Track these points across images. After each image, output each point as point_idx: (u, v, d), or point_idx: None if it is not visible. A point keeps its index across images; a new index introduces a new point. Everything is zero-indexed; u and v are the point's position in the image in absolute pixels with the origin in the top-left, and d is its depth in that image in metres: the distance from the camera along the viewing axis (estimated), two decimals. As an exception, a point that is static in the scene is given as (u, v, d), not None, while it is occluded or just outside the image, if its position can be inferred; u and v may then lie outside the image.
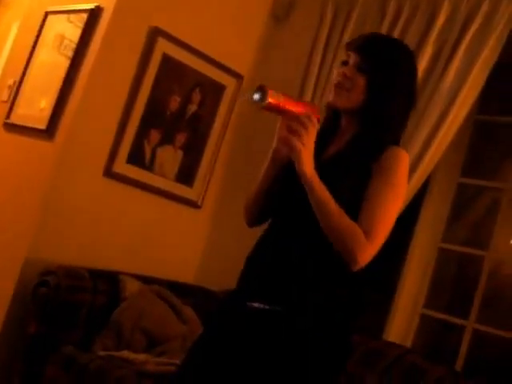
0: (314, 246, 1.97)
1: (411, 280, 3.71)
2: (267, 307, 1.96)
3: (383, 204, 1.95)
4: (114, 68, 3.75)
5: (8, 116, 4.10)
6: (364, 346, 3.22)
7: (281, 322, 1.94)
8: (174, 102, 3.96)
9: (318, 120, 1.96)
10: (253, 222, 2.20)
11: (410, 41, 3.65)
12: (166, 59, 3.87)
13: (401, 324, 3.69)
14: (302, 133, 1.89)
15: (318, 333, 1.95)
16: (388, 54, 2.07)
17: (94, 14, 3.75)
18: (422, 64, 3.55)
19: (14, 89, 4.13)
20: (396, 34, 3.71)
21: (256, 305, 1.97)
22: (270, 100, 1.88)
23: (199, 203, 4.19)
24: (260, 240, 2.11)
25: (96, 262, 3.73)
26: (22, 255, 3.60)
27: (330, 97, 2.10)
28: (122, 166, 3.82)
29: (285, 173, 2.06)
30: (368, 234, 1.91)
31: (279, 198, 2.10)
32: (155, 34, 3.82)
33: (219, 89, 4.13)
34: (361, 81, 2.04)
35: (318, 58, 3.88)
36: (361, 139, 2.05)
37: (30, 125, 3.89)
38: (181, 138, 4.02)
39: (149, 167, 3.93)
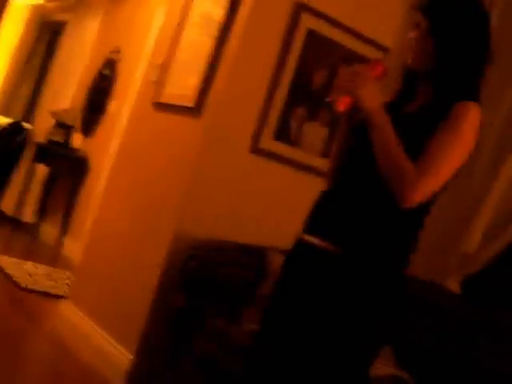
0: (375, 194, 2.12)
1: None
2: (324, 243, 2.15)
3: (441, 150, 2.04)
4: (258, 45, 3.76)
5: (157, 95, 4.20)
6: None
7: (338, 262, 2.13)
8: (320, 78, 3.93)
9: (384, 70, 2.21)
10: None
11: None
12: (311, 34, 3.85)
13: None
14: (354, 79, 2.13)
15: (370, 273, 2.11)
16: (456, 15, 2.10)
17: (238, -7, 3.77)
18: None
19: (163, 69, 4.22)
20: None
21: (315, 240, 2.18)
22: (341, 109, 2.12)
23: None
24: (328, 190, 2.29)
25: (242, 236, 3.78)
26: (172, 230, 3.70)
27: (407, 60, 2.21)
28: (268, 142, 3.84)
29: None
30: (420, 174, 2.02)
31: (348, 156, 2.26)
32: (299, 9, 3.80)
33: (365, 63, 4.04)
34: (430, 44, 2.12)
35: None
36: (433, 108, 2.13)
37: (178, 103, 3.98)
38: (325, 114, 3.99)
39: (295, 143, 3.93)
